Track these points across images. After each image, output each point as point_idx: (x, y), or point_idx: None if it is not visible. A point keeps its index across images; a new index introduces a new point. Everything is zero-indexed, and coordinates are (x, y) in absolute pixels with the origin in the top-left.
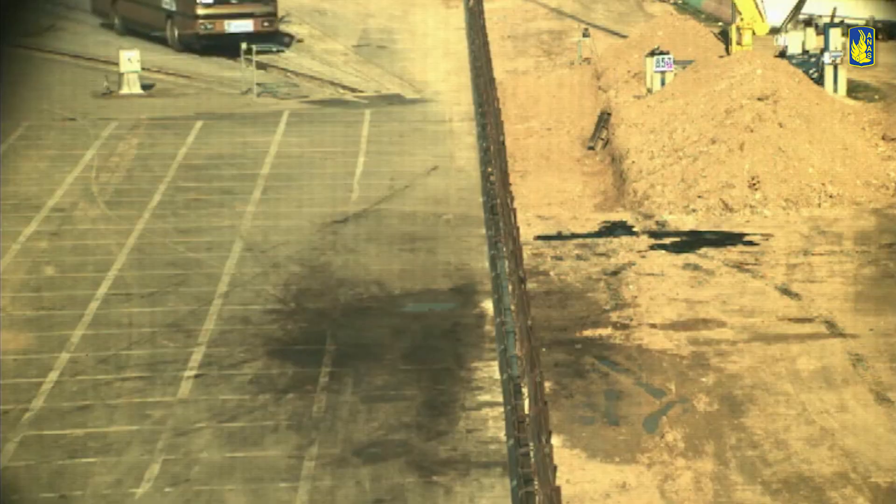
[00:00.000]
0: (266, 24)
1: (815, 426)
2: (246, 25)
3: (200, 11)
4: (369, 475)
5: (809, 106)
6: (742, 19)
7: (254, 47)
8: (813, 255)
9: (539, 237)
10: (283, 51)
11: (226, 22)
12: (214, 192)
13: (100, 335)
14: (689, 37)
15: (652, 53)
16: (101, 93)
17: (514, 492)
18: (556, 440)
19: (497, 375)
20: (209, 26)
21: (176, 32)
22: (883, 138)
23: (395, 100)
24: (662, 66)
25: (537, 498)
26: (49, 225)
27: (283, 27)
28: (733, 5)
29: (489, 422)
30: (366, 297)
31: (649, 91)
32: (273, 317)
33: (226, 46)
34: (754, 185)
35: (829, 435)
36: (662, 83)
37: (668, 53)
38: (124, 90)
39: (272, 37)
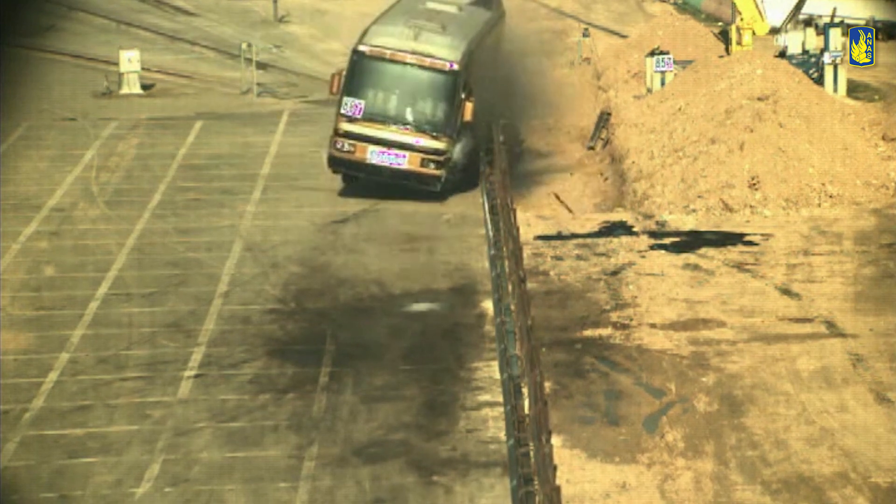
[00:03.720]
0: (432, 165)
1: (815, 426)
2: (397, 160)
3: (342, 126)
4: (369, 475)
5: (809, 106)
6: (742, 19)
7: (253, 46)
8: (813, 255)
9: (539, 237)
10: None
11: (369, 149)
12: (214, 192)
13: (100, 335)
14: (689, 37)
15: (652, 53)
16: (101, 93)
17: (514, 492)
18: (556, 440)
19: (497, 375)
20: (347, 147)
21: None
22: (883, 138)
23: None
24: (662, 66)
25: (537, 498)
26: (49, 225)
27: (283, 27)
28: (733, 5)
29: (489, 422)
30: (366, 297)
31: (649, 91)
32: (273, 317)
33: (369, 181)
34: (754, 185)
35: (829, 435)
36: (662, 83)
37: (668, 53)
38: (124, 90)
39: (436, 182)
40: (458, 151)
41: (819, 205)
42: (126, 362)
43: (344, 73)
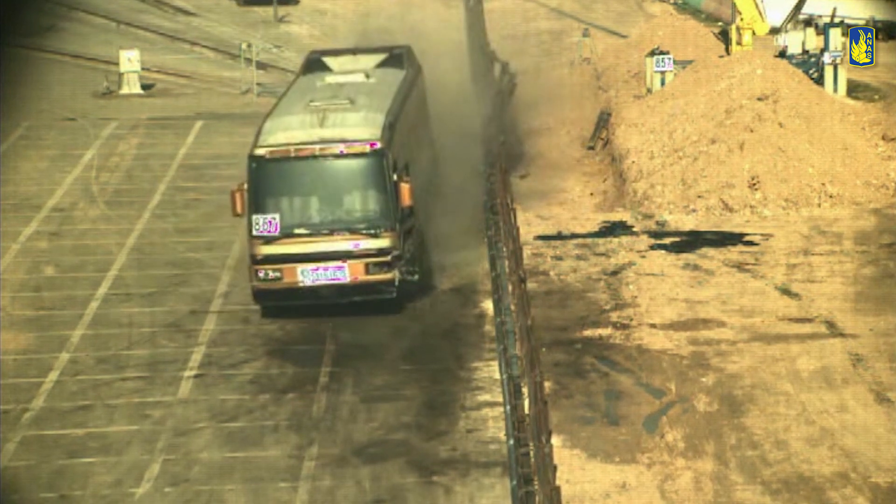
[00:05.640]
0: (380, 269)
1: (815, 426)
2: (336, 274)
3: (259, 250)
4: (369, 475)
5: (809, 106)
6: (742, 19)
7: (253, 46)
8: (813, 255)
9: (539, 237)
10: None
11: (299, 270)
12: (214, 192)
13: (100, 335)
14: (689, 37)
15: (652, 53)
16: (101, 93)
17: (514, 492)
18: (556, 440)
19: (497, 375)
20: (272, 274)
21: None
22: (883, 138)
23: None
24: (662, 66)
25: (537, 498)
26: (49, 225)
27: (283, 27)
28: (733, 5)
29: (489, 422)
30: None
31: (649, 91)
32: (273, 317)
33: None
34: (754, 185)
35: (829, 435)
36: (662, 83)
37: (668, 53)
38: (124, 90)
39: (390, 288)
40: (408, 245)
41: (819, 205)
42: (126, 362)
43: (246, 186)
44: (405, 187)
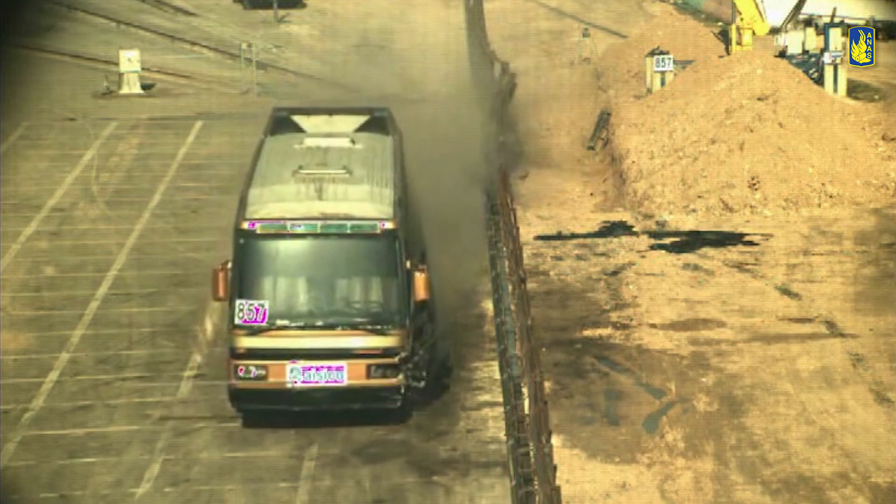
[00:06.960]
0: (384, 372)
1: (815, 426)
2: (332, 375)
3: (241, 343)
4: (369, 475)
5: (809, 106)
6: (742, 19)
7: (253, 46)
8: (813, 255)
9: (539, 237)
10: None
11: (288, 368)
12: (214, 192)
13: (100, 335)
14: (689, 37)
15: (652, 53)
16: (101, 93)
17: (514, 492)
18: (556, 440)
19: (497, 375)
20: (255, 371)
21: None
22: (883, 138)
23: (395, 100)
24: (662, 66)
25: (537, 498)
26: (49, 225)
27: (284, 27)
28: (733, 5)
29: (489, 422)
30: None
31: (649, 91)
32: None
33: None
34: (754, 185)
35: (829, 435)
36: (662, 83)
37: (668, 53)
38: (124, 90)
39: (395, 396)
40: (419, 346)
41: (819, 205)
42: (126, 362)
43: (230, 266)
44: (420, 278)
